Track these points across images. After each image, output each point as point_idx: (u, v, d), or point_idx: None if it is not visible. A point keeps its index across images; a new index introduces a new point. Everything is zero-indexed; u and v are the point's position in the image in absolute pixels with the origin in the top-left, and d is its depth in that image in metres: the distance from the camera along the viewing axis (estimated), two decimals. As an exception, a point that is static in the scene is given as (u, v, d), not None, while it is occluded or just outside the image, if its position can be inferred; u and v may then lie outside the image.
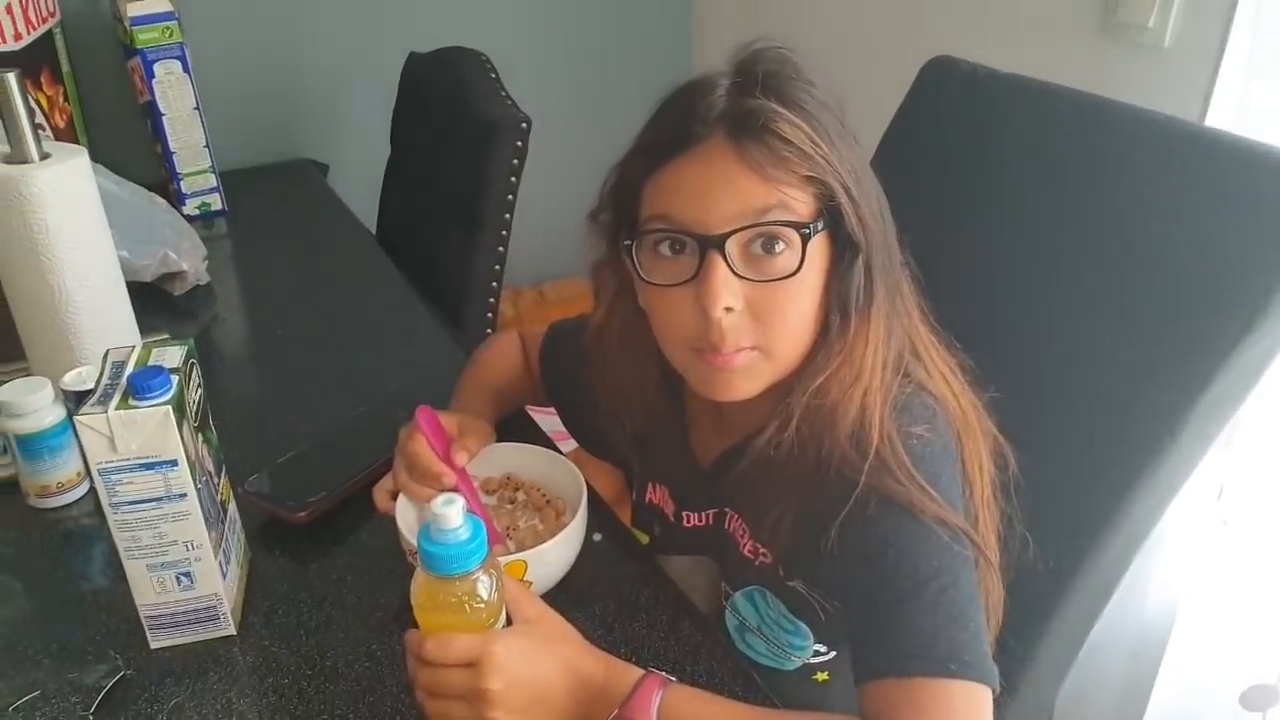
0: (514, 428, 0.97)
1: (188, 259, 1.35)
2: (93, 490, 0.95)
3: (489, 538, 0.67)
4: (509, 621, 0.67)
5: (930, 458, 0.71)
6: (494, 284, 1.37)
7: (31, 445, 0.91)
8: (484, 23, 1.87)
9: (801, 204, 0.69)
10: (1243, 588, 1.23)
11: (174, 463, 0.71)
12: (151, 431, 0.69)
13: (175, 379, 0.72)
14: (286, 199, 1.75)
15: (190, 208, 1.58)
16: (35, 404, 0.90)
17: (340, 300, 1.39)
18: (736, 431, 0.80)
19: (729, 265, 0.68)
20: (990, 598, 0.76)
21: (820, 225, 0.70)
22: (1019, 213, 0.97)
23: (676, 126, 0.70)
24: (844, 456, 0.70)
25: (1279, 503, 1.21)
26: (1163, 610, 1.33)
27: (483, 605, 0.65)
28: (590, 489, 0.86)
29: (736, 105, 0.69)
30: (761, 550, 0.81)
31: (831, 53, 1.68)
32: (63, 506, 0.94)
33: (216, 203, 1.61)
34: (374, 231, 1.71)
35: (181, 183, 1.56)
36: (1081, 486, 0.85)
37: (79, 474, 0.95)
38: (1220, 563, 1.25)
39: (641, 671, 0.66)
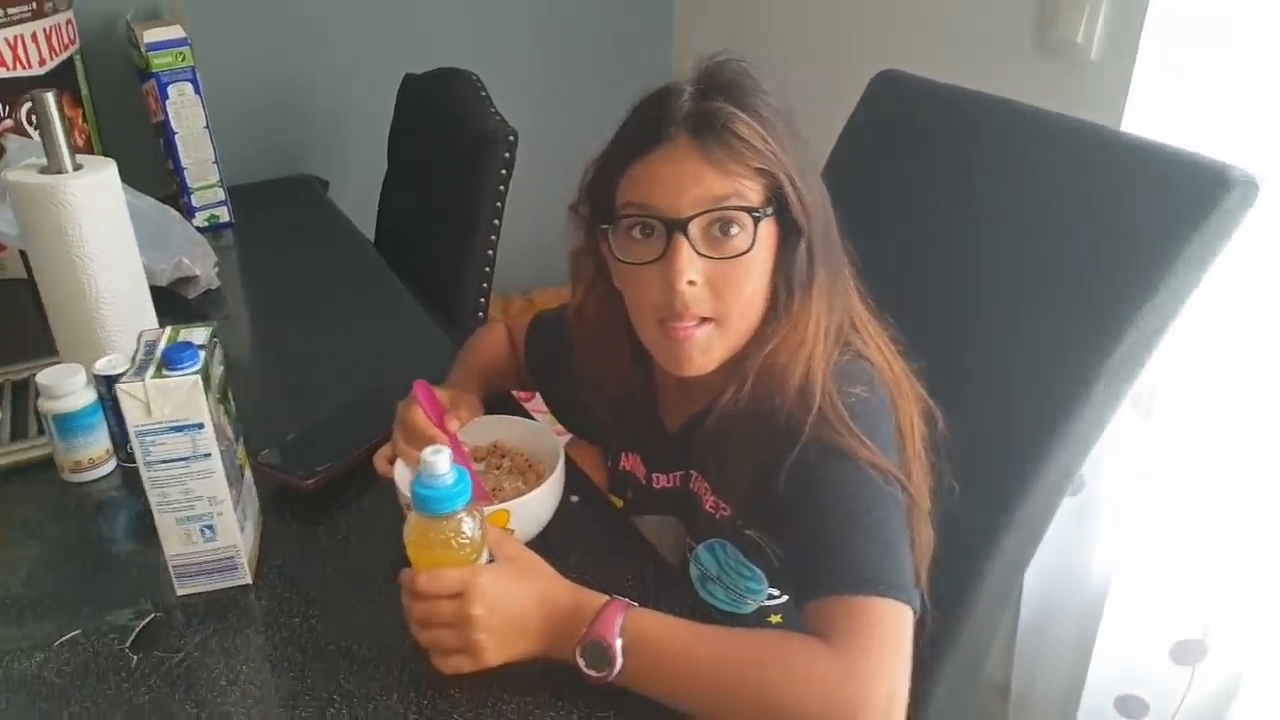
0: (503, 410, 1.08)
1: (200, 265, 1.46)
2: (119, 466, 1.06)
3: (476, 493, 0.78)
4: (491, 560, 0.78)
5: (867, 414, 0.81)
6: (484, 284, 1.48)
7: (66, 424, 1.02)
8: (475, 45, 1.99)
9: (753, 192, 0.80)
10: (1171, 548, 1.33)
11: (200, 425, 0.81)
12: (182, 398, 0.80)
13: (202, 353, 0.82)
14: (290, 211, 1.85)
15: (200, 220, 1.69)
16: (70, 387, 1.01)
17: (341, 302, 1.50)
18: (698, 399, 0.91)
19: (691, 245, 0.79)
20: (921, 537, 0.86)
21: (769, 210, 0.81)
22: (950, 206, 1.08)
23: (648, 127, 0.81)
24: (791, 412, 0.81)
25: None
26: (1101, 576, 1.44)
27: (467, 542, 0.75)
28: (567, 456, 0.96)
29: (700, 108, 0.80)
30: (722, 505, 0.91)
31: (793, 68, 1.80)
32: (93, 481, 1.04)
33: (224, 215, 1.72)
34: (372, 240, 1.82)
35: (192, 196, 1.68)
36: (1004, 442, 0.95)
37: (107, 451, 1.05)
38: (1149, 520, 1.35)
39: (607, 598, 0.76)
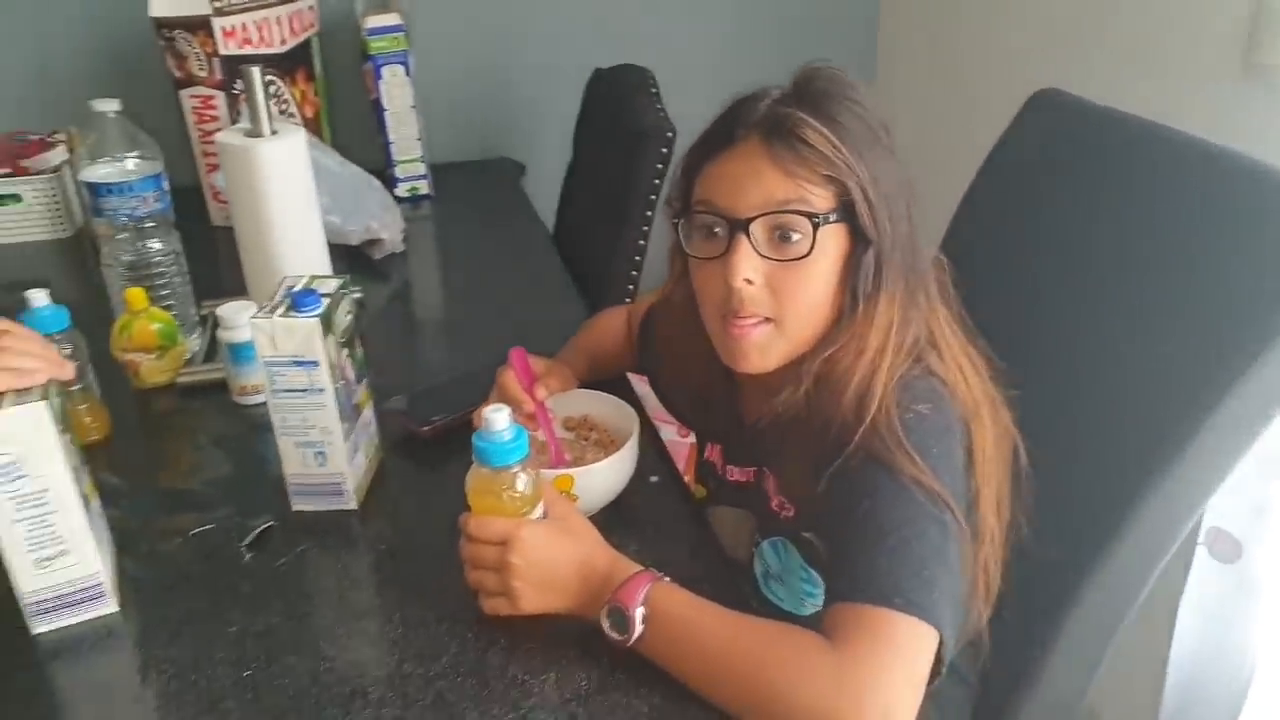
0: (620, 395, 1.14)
1: (387, 230, 1.62)
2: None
3: (554, 459, 0.84)
4: (543, 517, 0.84)
5: (923, 431, 0.81)
6: (634, 273, 1.55)
7: (236, 353, 1.17)
8: (668, 42, 2.07)
9: (819, 199, 0.82)
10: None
11: (316, 363, 0.93)
12: (302, 337, 0.91)
13: (325, 301, 0.94)
14: (484, 191, 2.00)
15: (401, 190, 1.86)
16: (241, 320, 1.16)
17: (506, 279, 1.61)
18: (773, 397, 0.93)
19: (752, 244, 0.82)
20: (985, 567, 0.85)
21: (833, 218, 0.82)
22: (1087, 233, 1.04)
23: (723, 128, 0.85)
24: (845, 419, 0.82)
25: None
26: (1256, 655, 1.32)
27: (519, 496, 0.82)
28: (656, 438, 1.01)
29: (774, 112, 0.83)
30: (786, 504, 0.93)
31: (993, 73, 1.75)
32: (254, 405, 1.20)
33: (424, 188, 1.89)
34: (551, 226, 1.94)
35: (396, 168, 1.85)
36: (1096, 487, 0.92)
37: (268, 382, 1.20)
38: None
39: (641, 568, 0.80)
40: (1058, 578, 0.93)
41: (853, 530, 0.78)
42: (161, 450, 1.17)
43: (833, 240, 0.83)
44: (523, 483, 0.82)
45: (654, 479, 1.03)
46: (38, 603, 0.85)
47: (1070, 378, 0.98)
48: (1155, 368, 0.91)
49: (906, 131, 0.94)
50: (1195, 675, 1.52)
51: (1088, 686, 0.98)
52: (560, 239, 1.78)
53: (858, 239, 0.83)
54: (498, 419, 0.80)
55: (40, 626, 0.86)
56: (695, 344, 0.96)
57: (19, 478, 0.80)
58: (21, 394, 0.80)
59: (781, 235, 0.82)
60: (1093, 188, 1.06)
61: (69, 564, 0.85)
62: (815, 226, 0.81)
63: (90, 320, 1.17)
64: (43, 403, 0.79)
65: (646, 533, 0.96)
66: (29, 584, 0.84)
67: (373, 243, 1.61)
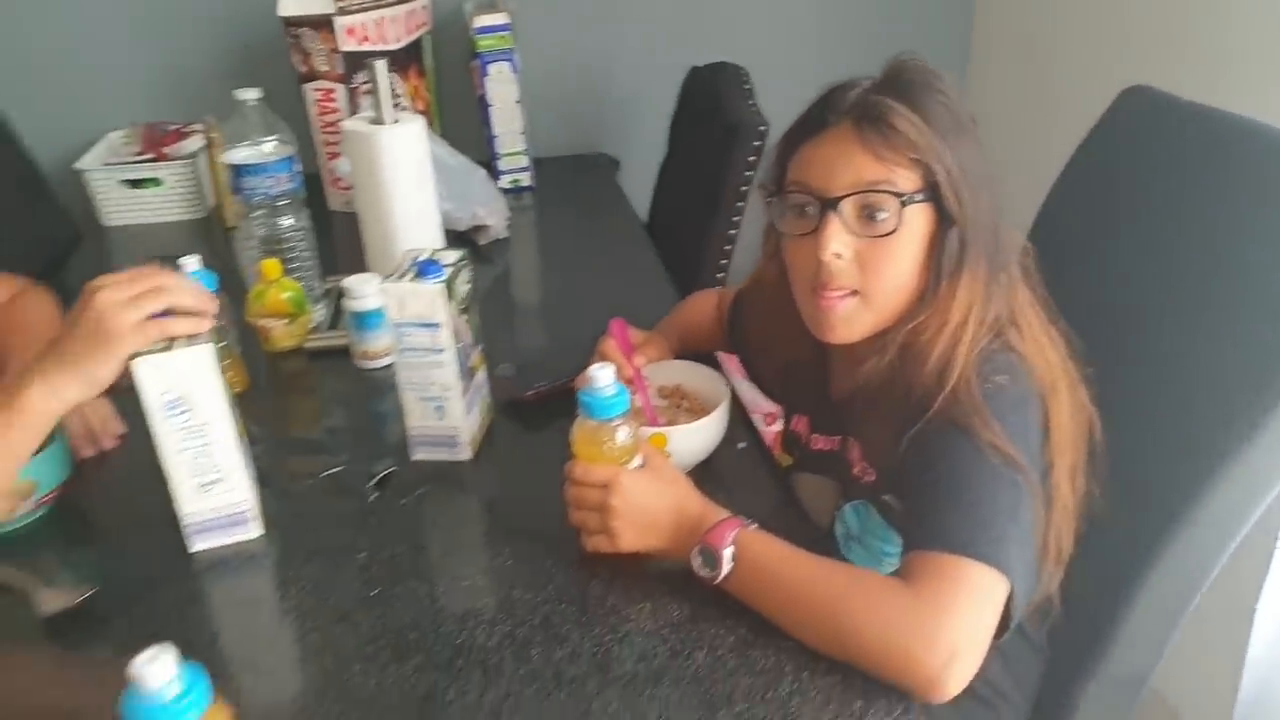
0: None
1: (493, 217, 1.73)
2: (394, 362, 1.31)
3: (648, 417, 0.92)
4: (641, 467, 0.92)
5: (1001, 401, 0.86)
6: (723, 261, 1.62)
7: (359, 320, 1.29)
8: (758, 41, 2.15)
9: (906, 181, 0.88)
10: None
11: (438, 326, 1.02)
12: (426, 301, 1.01)
13: (447, 270, 1.04)
14: (582, 184, 2.10)
15: (505, 181, 1.97)
16: (364, 291, 1.27)
17: (602, 266, 1.70)
18: (859, 369, 1.00)
19: (841, 221, 0.89)
20: (1058, 533, 0.90)
21: (919, 198, 0.89)
22: (1170, 227, 1.07)
23: (817, 114, 0.92)
24: (926, 387, 0.88)
25: None
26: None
27: (619, 446, 0.91)
28: (743, 411, 1.08)
29: (865, 99, 0.90)
30: (868, 470, 1.00)
31: (1090, 71, 1.77)
32: (375, 369, 1.31)
33: (526, 180, 1.99)
34: (645, 219, 2.03)
35: (500, 161, 1.96)
36: (1169, 467, 0.96)
37: (387, 347, 1.31)
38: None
39: (730, 513, 0.88)
40: (1128, 554, 0.97)
41: (930, 489, 0.84)
42: (292, 405, 1.29)
43: (918, 219, 0.89)
44: (623, 435, 0.91)
45: (741, 445, 1.11)
46: (195, 524, 0.96)
47: (1148, 363, 1.02)
48: (1232, 358, 0.95)
49: (998, 123, 0.99)
50: (1273, 670, 1.54)
51: (1154, 665, 1.02)
52: (653, 230, 1.86)
53: (943, 219, 0.90)
54: (603, 375, 0.89)
55: (197, 545, 0.97)
56: (785, 320, 1.02)
57: (185, 412, 0.92)
58: (189, 338, 0.91)
59: (869, 213, 0.89)
60: (1180, 183, 1.09)
61: (222, 491, 0.96)
62: (901, 205, 0.88)
63: (226, 290, 1.30)
64: (208, 345, 0.91)
65: (733, 494, 1.02)
66: (189, 507, 0.95)
67: (479, 229, 1.72)
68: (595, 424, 0.90)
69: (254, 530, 0.99)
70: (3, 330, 1.28)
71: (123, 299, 0.87)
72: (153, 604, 0.91)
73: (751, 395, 1.26)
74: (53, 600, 0.90)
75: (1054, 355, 0.92)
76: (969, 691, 0.99)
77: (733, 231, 1.61)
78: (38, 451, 0.93)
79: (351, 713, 0.78)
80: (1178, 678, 1.65)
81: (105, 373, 0.88)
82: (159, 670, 0.58)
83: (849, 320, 0.92)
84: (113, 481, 1.11)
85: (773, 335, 1.07)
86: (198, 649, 0.66)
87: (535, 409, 1.20)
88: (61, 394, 0.88)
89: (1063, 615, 0.96)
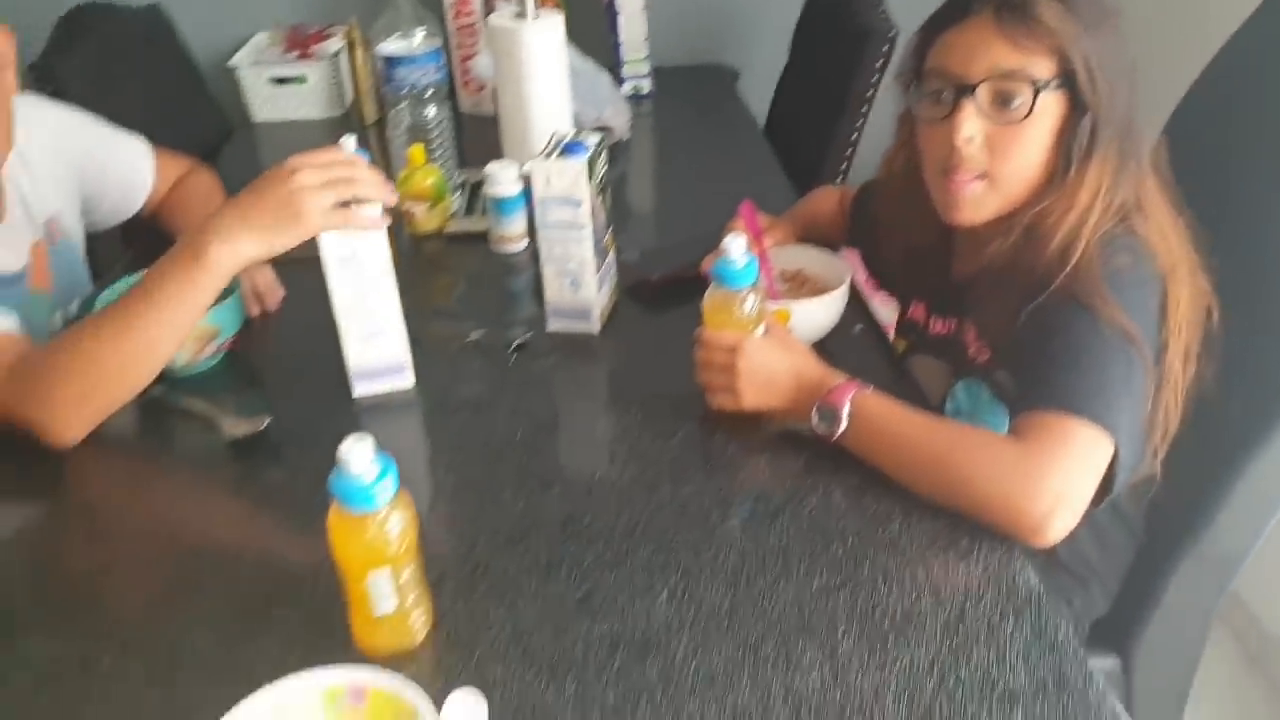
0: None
1: (615, 120, 1.79)
2: (529, 245, 1.40)
3: (769, 292, 0.98)
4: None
5: (1121, 280, 0.90)
6: (844, 165, 1.66)
7: (499, 205, 1.38)
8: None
9: (1042, 69, 0.92)
10: None
11: (580, 202, 1.10)
12: (570, 178, 1.09)
13: (590, 150, 1.11)
14: (700, 92, 2.14)
15: (626, 88, 2.02)
16: (504, 178, 1.36)
17: (720, 168, 1.76)
18: (983, 253, 1.04)
19: (975, 107, 0.93)
20: (1165, 411, 0.94)
21: (1054, 85, 0.92)
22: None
23: (959, 2, 0.95)
24: (1049, 267, 0.92)
25: None
26: None
27: (746, 315, 0.98)
28: (861, 300, 1.14)
29: None
30: (982, 349, 1.04)
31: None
32: (511, 254, 1.40)
33: (646, 87, 2.05)
34: (762, 124, 2.06)
35: (624, 67, 2.02)
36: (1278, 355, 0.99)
37: (523, 232, 1.40)
38: None
39: (848, 376, 0.95)
40: (1235, 437, 1.01)
41: (1045, 356, 0.89)
42: (434, 282, 1.39)
43: (1051, 106, 0.93)
44: (750, 303, 0.98)
45: (858, 328, 1.17)
46: (359, 370, 1.07)
47: (1268, 257, 1.04)
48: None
49: (1144, 14, 0.99)
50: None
51: (1249, 548, 1.05)
52: (772, 137, 1.90)
53: (1076, 106, 0.93)
54: (735, 246, 0.96)
55: (359, 390, 1.08)
56: (913, 206, 1.07)
57: (356, 268, 1.02)
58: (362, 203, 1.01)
59: (1003, 99, 0.92)
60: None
61: (383, 343, 1.06)
62: (1035, 92, 0.91)
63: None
64: (379, 205, 1.00)
65: (849, 372, 1.09)
66: (354, 355, 1.06)
67: (603, 130, 1.79)
68: (725, 292, 0.97)
69: (409, 380, 1.09)
70: (174, 206, 1.42)
71: (317, 183, 0.96)
72: (320, 438, 1.02)
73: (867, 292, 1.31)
74: (236, 426, 1.02)
75: (1176, 241, 0.95)
76: (1061, 565, 1.06)
77: (855, 136, 1.65)
78: (216, 302, 1.05)
79: (503, 528, 0.88)
80: (1261, 584, 1.66)
81: (286, 243, 0.98)
82: (361, 453, 0.68)
83: (976, 203, 0.97)
84: (278, 338, 1.23)
85: (899, 221, 1.11)
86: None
87: (657, 294, 1.27)
88: (241, 254, 0.98)
89: (1162, 495, 1.01)
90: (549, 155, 1.11)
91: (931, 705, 0.67)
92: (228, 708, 0.63)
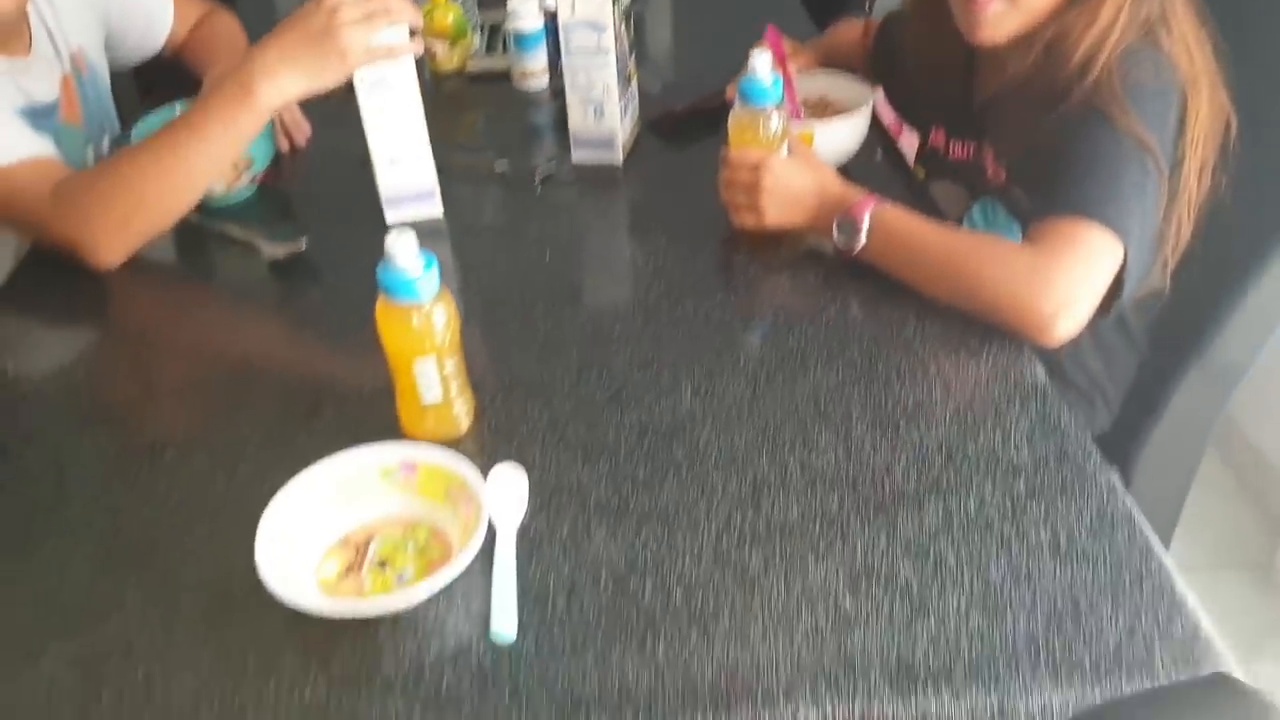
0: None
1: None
2: (550, 83, 1.40)
3: (792, 112, 1.00)
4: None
5: (1141, 92, 0.91)
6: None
7: (520, 41, 1.38)
8: None
9: None
10: None
11: (604, 27, 1.11)
12: (595, 3, 1.09)
13: (612, -25, 1.11)
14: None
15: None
16: (528, 12, 1.35)
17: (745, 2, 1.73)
18: (1004, 74, 1.05)
19: None
20: (1178, 223, 0.96)
21: None
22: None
23: None
24: (1068, 79, 0.93)
25: None
26: None
27: (770, 134, 0.99)
28: (882, 128, 1.15)
29: None
30: (999, 169, 1.06)
31: None
32: (533, 91, 1.41)
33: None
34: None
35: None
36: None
37: (544, 69, 1.40)
38: None
39: (869, 191, 0.97)
40: (1246, 250, 1.03)
41: (1061, 163, 0.91)
42: (459, 119, 1.41)
43: None
44: (775, 122, 0.99)
45: (879, 154, 1.19)
46: (389, 197, 1.10)
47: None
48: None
49: None
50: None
51: (1252, 360, 1.08)
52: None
53: None
54: (761, 63, 0.97)
55: (390, 217, 1.11)
56: (936, 27, 1.06)
57: (385, 93, 1.04)
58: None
59: None
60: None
61: (412, 169, 1.09)
62: None
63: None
64: (405, 27, 1.01)
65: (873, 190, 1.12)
66: (384, 179, 1.09)
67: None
68: (751, 110, 0.99)
69: (437, 208, 1.12)
70: (196, 47, 1.42)
71: (359, 17, 0.97)
72: (356, 259, 1.06)
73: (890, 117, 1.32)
74: (275, 249, 1.06)
75: (1199, 54, 0.95)
76: (1067, 381, 1.10)
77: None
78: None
79: (535, 340, 0.92)
80: (1266, 422, 1.71)
81: (331, 81, 1.00)
82: (407, 246, 0.71)
83: (998, 22, 0.97)
84: (308, 172, 1.26)
85: (921, 44, 1.12)
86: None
87: (678, 128, 1.29)
88: (285, 91, 0.99)
89: (1169, 310, 1.04)
90: (574, -19, 1.11)
91: (940, 476, 0.72)
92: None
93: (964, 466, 0.73)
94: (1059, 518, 0.69)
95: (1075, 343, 0.96)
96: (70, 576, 0.69)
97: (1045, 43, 0.95)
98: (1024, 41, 0.98)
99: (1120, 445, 1.13)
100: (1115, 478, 0.72)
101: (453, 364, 0.77)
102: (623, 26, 1.16)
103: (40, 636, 0.64)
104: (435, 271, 0.73)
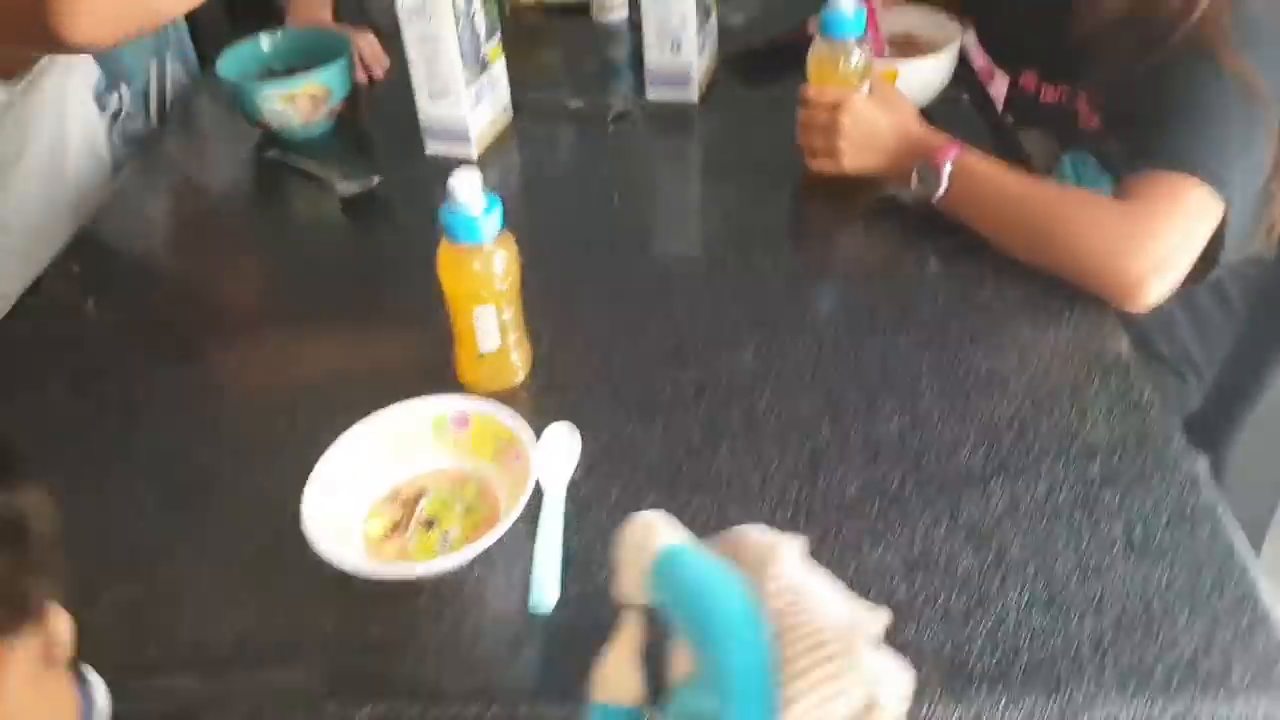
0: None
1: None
2: (629, 16, 1.35)
3: (875, 49, 0.94)
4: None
5: (1254, 29, 0.83)
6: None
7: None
8: None
9: None
10: None
11: (684, -39, 1.06)
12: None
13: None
14: None
15: None
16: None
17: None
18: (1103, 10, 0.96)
19: None
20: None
21: None
22: None
23: None
24: (1171, 19, 0.85)
25: None
26: None
27: (851, 70, 0.95)
28: (970, 65, 1.07)
29: None
30: (1093, 117, 0.99)
31: None
32: (612, 24, 1.35)
33: None
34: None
35: None
36: None
37: (624, 1, 1.35)
38: None
39: (951, 137, 0.91)
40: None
41: (1159, 110, 0.84)
42: (535, 54, 1.37)
43: None
44: (856, 57, 0.94)
45: (966, 96, 1.12)
46: (428, 128, 1.08)
47: None
48: None
49: None
50: None
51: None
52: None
53: None
54: (844, 1, 0.91)
55: (430, 148, 1.10)
56: None
57: (423, 22, 1.00)
58: None
59: None
60: None
61: (448, 105, 1.05)
62: None
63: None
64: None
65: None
66: (423, 110, 1.07)
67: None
68: (831, 44, 0.94)
69: (474, 150, 1.08)
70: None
71: None
72: (427, 197, 1.05)
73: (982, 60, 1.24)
74: (347, 186, 1.06)
75: None
76: (1159, 357, 1.04)
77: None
78: (326, 64, 1.07)
79: (599, 285, 0.90)
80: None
81: None
82: (469, 184, 0.69)
83: None
84: (385, 105, 1.24)
85: None
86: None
87: (760, 65, 1.23)
88: None
89: (1273, 278, 0.96)
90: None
91: (1009, 455, 0.69)
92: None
93: (1035, 445, 0.69)
94: (1135, 508, 0.64)
95: (1165, 310, 0.90)
96: (128, 519, 0.71)
97: None
98: None
99: (1212, 427, 1.06)
100: (1203, 466, 0.67)
101: (512, 312, 0.76)
102: (701, -42, 1.11)
103: (97, 580, 0.65)
104: (497, 213, 0.71)
